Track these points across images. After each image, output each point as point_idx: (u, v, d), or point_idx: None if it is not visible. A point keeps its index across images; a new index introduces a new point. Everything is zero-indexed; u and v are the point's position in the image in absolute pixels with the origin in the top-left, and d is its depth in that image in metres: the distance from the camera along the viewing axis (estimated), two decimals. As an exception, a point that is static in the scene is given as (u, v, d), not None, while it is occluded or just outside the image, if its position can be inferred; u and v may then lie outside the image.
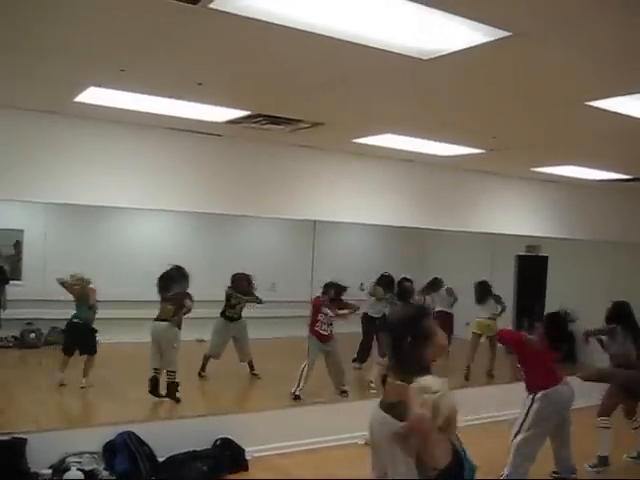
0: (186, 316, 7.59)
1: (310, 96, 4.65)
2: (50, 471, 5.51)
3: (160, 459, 5.95)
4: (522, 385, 5.93)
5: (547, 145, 6.15)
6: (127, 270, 9.32)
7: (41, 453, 5.55)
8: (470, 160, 6.98)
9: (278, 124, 5.57)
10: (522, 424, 5.61)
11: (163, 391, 7.29)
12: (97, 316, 7.85)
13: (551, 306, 8.91)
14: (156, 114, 5.29)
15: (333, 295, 8.13)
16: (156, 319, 7.44)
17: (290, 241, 10.62)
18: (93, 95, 4.75)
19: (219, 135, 6.17)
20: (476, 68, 3.68)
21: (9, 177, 5.34)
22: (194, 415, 6.75)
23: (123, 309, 9.07)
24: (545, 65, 3.59)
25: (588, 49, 3.28)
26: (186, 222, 10.00)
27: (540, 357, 5.75)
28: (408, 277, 9.50)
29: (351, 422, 7.02)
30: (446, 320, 9.97)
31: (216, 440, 6.28)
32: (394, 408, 3.56)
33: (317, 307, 7.95)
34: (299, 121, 5.47)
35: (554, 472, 6.21)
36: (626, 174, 7.64)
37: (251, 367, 8.71)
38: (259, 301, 8.84)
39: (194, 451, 6.08)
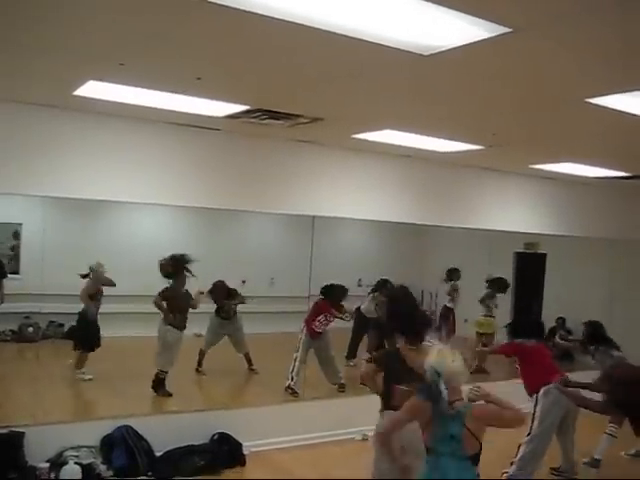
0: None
1: (309, 91, 4.64)
2: (48, 465, 5.51)
3: (158, 453, 5.96)
4: (519, 382, 5.97)
5: (546, 142, 6.15)
6: (125, 264, 9.30)
7: (39, 447, 5.56)
8: (469, 156, 6.97)
9: (277, 119, 5.57)
10: (531, 425, 5.65)
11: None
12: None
13: (549, 303, 8.99)
14: (155, 108, 5.29)
15: (337, 299, 8.16)
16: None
17: (289, 236, 10.61)
18: (93, 89, 4.75)
19: (218, 130, 6.17)
20: (476, 64, 3.68)
21: (8, 170, 5.34)
22: (192, 410, 6.76)
23: (121, 303, 9.06)
24: (545, 62, 3.59)
25: (588, 46, 3.28)
26: (185, 217, 9.98)
27: (539, 355, 5.78)
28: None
29: (348, 418, 7.06)
30: (448, 315, 10.02)
31: (214, 435, 6.29)
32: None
33: (320, 310, 7.96)
34: (298, 116, 5.47)
35: (552, 469, 6.24)
36: (624, 172, 7.65)
37: (249, 362, 8.71)
38: (242, 301, 8.82)
39: (192, 446, 6.09)
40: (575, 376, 6.22)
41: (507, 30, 3.05)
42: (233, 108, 5.25)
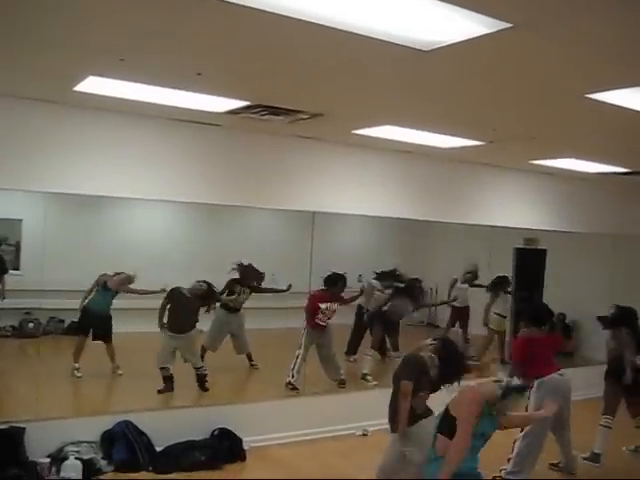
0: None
1: (310, 87, 4.64)
2: (48, 460, 5.51)
3: (158, 449, 5.97)
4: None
5: (546, 137, 6.15)
6: (125, 260, 9.29)
7: (39, 442, 5.57)
8: (469, 152, 6.97)
9: (278, 115, 5.56)
10: None
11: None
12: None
13: (549, 299, 8.94)
14: (156, 104, 5.28)
15: (337, 289, 8.09)
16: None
17: (289, 232, 10.59)
18: (93, 84, 4.75)
19: (218, 125, 6.16)
20: (476, 60, 3.68)
21: (8, 166, 5.34)
22: (192, 405, 6.76)
23: (122, 299, 9.06)
24: (545, 57, 3.58)
25: (588, 41, 3.27)
26: (186, 213, 9.96)
27: (542, 346, 5.80)
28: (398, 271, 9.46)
29: (349, 413, 7.08)
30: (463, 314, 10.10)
31: (214, 430, 6.30)
32: None
33: (315, 302, 7.91)
34: (299, 112, 5.46)
35: (552, 464, 6.25)
36: (624, 167, 7.65)
37: (249, 358, 8.72)
38: (282, 290, 8.78)
39: (192, 441, 6.10)
40: (575, 372, 6.26)
41: (507, 25, 3.04)
42: (233, 104, 5.25)
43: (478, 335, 10.02)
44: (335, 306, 7.96)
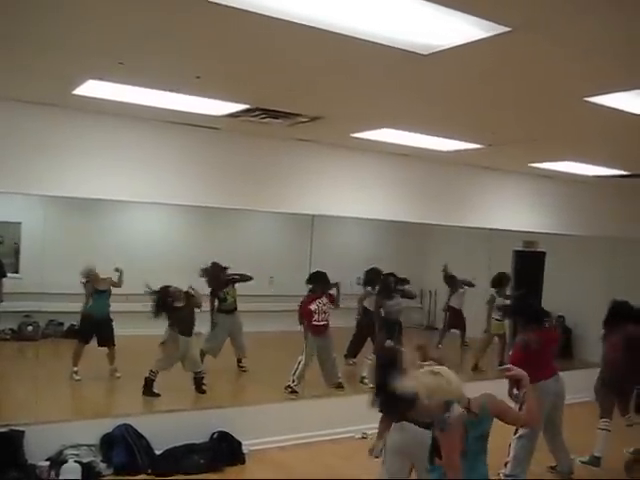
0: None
1: (309, 90, 4.65)
2: (47, 463, 5.51)
3: (157, 452, 5.97)
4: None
5: (545, 140, 6.15)
6: (123, 263, 9.30)
7: (38, 445, 5.57)
8: (468, 155, 6.98)
9: (277, 118, 5.57)
10: None
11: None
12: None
13: (548, 301, 8.96)
14: (155, 107, 5.29)
15: (318, 286, 8.01)
16: None
17: (288, 235, 10.61)
18: (92, 88, 4.75)
19: (218, 128, 6.17)
20: (475, 63, 3.69)
21: (7, 169, 5.34)
22: (191, 408, 6.75)
23: (119, 302, 9.06)
24: (544, 60, 3.59)
25: (586, 45, 3.28)
26: (184, 216, 9.96)
27: (538, 350, 5.78)
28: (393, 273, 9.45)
29: (348, 416, 7.06)
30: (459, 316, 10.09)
31: (213, 433, 6.30)
32: None
33: (305, 307, 7.89)
34: (298, 115, 5.47)
35: (550, 467, 6.25)
36: (623, 170, 7.66)
37: (239, 361, 8.72)
38: (249, 278, 8.70)
39: (191, 444, 6.09)
40: (575, 374, 6.26)
41: (506, 29, 3.05)
42: (233, 107, 5.26)
43: (474, 339, 9.99)
44: (325, 301, 7.93)
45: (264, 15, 3.01)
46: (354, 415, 7.01)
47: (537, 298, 9.61)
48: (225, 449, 6.19)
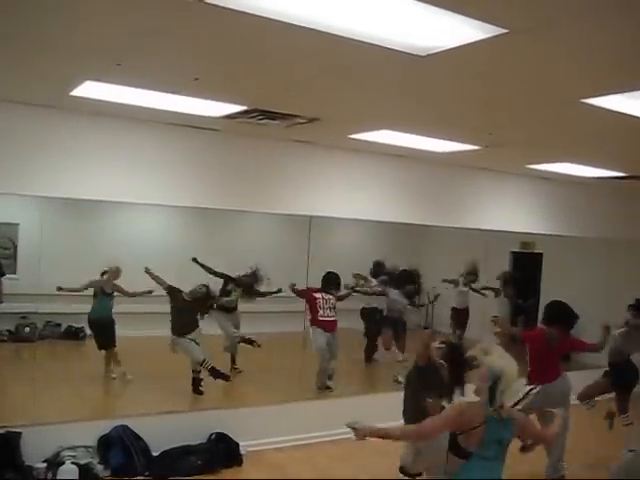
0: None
1: (306, 92, 4.65)
2: (45, 465, 5.51)
3: (155, 453, 5.97)
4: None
5: (543, 142, 6.16)
6: (121, 265, 9.29)
7: (36, 447, 5.57)
8: (466, 156, 6.99)
9: (274, 119, 5.57)
10: None
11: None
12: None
13: (545, 302, 8.98)
14: (152, 108, 5.29)
15: (328, 286, 8.08)
16: None
17: (286, 236, 10.60)
18: (89, 89, 4.75)
19: (215, 130, 6.17)
20: (472, 65, 3.69)
21: (4, 170, 5.34)
22: (189, 410, 6.74)
23: (117, 304, 9.06)
24: (541, 62, 3.60)
25: (584, 47, 3.29)
26: (182, 217, 9.96)
27: (551, 352, 5.79)
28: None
29: (345, 417, 7.02)
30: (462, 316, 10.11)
31: (211, 435, 6.30)
32: None
33: (310, 292, 7.90)
34: (295, 116, 5.47)
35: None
36: (620, 172, 7.67)
37: (233, 361, 8.73)
38: (275, 292, 8.81)
39: (189, 445, 6.09)
40: (573, 375, 6.26)
41: (503, 31, 3.06)
42: (230, 108, 5.26)
43: (474, 339, 9.99)
44: (330, 297, 7.94)
45: (262, 17, 3.01)
46: (351, 416, 7.00)
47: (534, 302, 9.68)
48: (222, 450, 6.19)
